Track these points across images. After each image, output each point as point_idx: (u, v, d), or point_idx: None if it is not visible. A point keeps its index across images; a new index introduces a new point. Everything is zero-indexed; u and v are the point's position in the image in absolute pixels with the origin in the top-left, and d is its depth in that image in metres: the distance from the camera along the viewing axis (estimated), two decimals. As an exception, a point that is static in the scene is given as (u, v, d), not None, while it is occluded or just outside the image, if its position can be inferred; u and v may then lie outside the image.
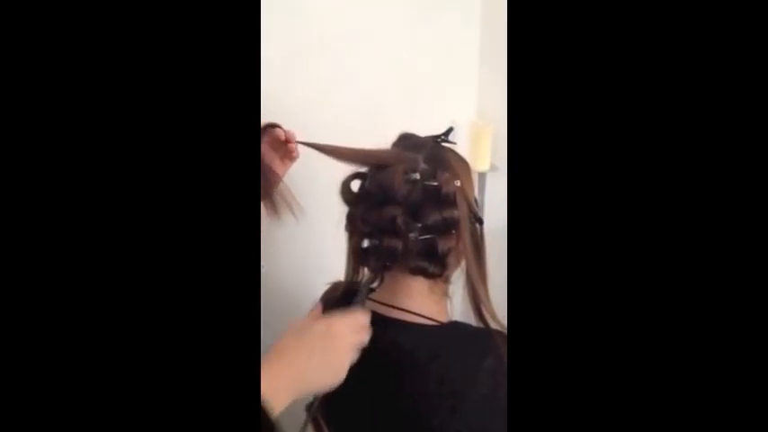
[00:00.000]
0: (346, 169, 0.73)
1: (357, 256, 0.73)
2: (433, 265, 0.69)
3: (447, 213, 0.67)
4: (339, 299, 0.76)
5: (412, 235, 0.67)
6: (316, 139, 1.15)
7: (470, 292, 0.70)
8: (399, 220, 0.66)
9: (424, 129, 0.77)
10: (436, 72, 1.24)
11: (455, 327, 0.72)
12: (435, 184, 0.67)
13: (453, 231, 0.69)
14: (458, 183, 0.68)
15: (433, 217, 0.67)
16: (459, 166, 0.72)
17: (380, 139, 0.76)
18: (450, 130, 0.75)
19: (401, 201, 0.66)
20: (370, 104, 1.17)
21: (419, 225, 0.66)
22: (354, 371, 0.70)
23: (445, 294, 0.75)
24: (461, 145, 1.28)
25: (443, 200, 0.67)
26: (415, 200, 0.67)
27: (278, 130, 0.72)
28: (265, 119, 0.94)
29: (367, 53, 1.15)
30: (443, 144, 0.74)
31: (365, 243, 0.71)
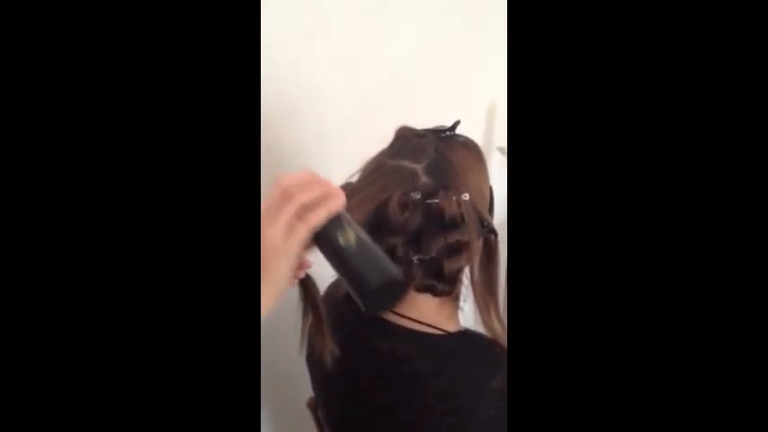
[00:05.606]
0: (361, 160, 0.67)
1: None
2: (442, 284, 0.64)
3: (452, 238, 0.61)
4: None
5: (416, 257, 0.61)
6: (329, 128, 1.05)
7: (479, 308, 0.65)
8: (400, 251, 0.61)
9: (453, 115, 0.70)
10: (466, 51, 1.13)
11: (464, 337, 0.67)
12: (438, 201, 0.60)
13: (462, 251, 0.63)
14: (465, 196, 0.62)
15: (437, 244, 0.61)
16: (468, 168, 0.65)
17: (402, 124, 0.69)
18: (456, 124, 0.69)
19: (400, 231, 0.61)
20: (390, 89, 1.06)
21: (421, 255, 0.61)
22: (352, 378, 0.68)
23: (456, 308, 0.70)
24: (498, 129, 1.20)
25: (448, 223, 0.61)
26: (415, 226, 0.61)
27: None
28: (270, 112, 0.85)
29: (386, 30, 1.03)
30: (450, 138, 0.67)
31: None
